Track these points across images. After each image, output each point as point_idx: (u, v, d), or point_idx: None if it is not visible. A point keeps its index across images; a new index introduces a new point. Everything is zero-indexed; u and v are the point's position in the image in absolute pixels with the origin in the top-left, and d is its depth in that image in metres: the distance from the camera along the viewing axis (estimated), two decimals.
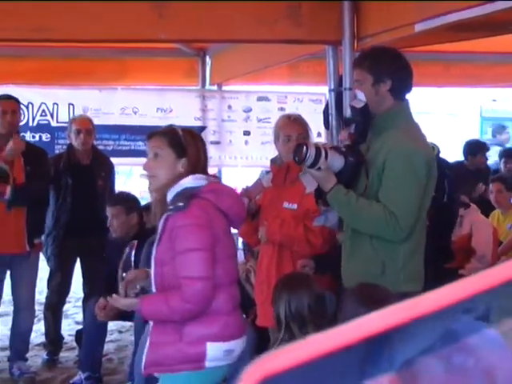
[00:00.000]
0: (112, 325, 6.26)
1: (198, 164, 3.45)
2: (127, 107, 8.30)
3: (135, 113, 8.30)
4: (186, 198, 3.32)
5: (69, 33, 5.36)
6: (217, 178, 3.58)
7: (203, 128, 8.45)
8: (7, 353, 6.27)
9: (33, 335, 6.44)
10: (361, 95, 3.81)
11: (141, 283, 3.73)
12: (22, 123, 6.59)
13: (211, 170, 9.08)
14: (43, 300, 6.87)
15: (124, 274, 3.77)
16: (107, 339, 6.13)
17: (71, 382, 5.95)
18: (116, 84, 8.62)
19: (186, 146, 3.43)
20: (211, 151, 8.48)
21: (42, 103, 8.08)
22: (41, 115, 8.07)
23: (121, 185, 7.28)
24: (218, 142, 8.54)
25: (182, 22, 5.45)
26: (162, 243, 3.38)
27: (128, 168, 10.78)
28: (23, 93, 6.99)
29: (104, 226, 6.22)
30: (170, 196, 3.40)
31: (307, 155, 3.67)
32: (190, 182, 3.40)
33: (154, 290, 3.47)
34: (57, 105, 8.12)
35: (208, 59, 8.87)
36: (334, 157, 3.75)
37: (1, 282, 6.06)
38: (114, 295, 3.62)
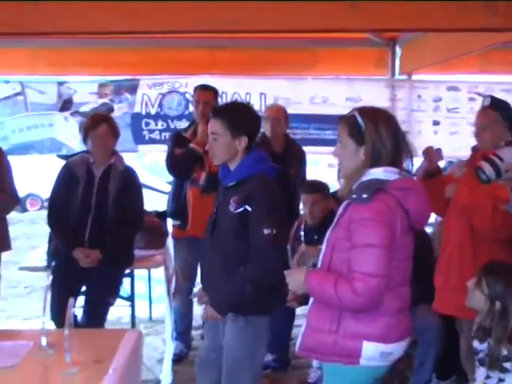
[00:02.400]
0: (299, 310, 6.39)
1: (382, 150, 3.30)
2: (316, 96, 8.41)
3: (324, 102, 8.40)
4: (371, 190, 3.22)
5: (263, 24, 5.48)
6: (410, 173, 3.41)
7: None
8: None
9: None
10: None
11: (313, 260, 3.71)
12: None
13: None
14: None
15: (288, 247, 3.67)
16: (294, 324, 6.27)
17: None
18: (306, 74, 8.74)
19: (365, 133, 3.31)
20: None
21: (235, 93, 8.33)
22: None
23: (308, 174, 7.38)
24: (406, 132, 8.47)
25: (373, 12, 5.47)
26: (338, 229, 3.34)
27: (315, 157, 10.90)
28: (217, 83, 7.22)
29: (295, 214, 6.36)
30: (356, 183, 3.33)
31: (486, 175, 3.70)
32: (379, 173, 3.29)
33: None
34: (249, 94, 8.36)
35: (398, 49, 8.83)
36: (507, 152, 3.74)
37: (197, 264, 6.33)
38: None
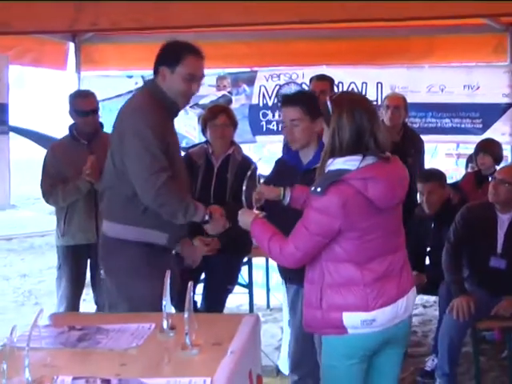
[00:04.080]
0: (417, 299, 6.36)
1: (337, 139, 3.44)
2: (434, 85, 8.33)
3: (442, 90, 8.31)
4: (326, 184, 3.38)
5: (386, 12, 5.43)
6: (382, 156, 3.47)
7: (510, 105, 8.29)
8: None
9: None
10: None
11: (269, 197, 4.03)
12: None
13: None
14: None
15: (244, 188, 3.99)
16: (413, 313, 6.23)
17: None
18: (423, 62, 8.66)
19: (331, 119, 3.48)
20: None
21: (352, 82, 8.35)
22: None
23: (426, 163, 7.32)
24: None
25: None
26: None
27: (433, 146, 10.79)
28: (334, 73, 7.26)
29: (412, 203, 6.32)
30: (326, 169, 3.50)
31: None
32: (341, 163, 3.43)
33: None
34: (365, 84, 8.36)
35: None
36: None
37: None
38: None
